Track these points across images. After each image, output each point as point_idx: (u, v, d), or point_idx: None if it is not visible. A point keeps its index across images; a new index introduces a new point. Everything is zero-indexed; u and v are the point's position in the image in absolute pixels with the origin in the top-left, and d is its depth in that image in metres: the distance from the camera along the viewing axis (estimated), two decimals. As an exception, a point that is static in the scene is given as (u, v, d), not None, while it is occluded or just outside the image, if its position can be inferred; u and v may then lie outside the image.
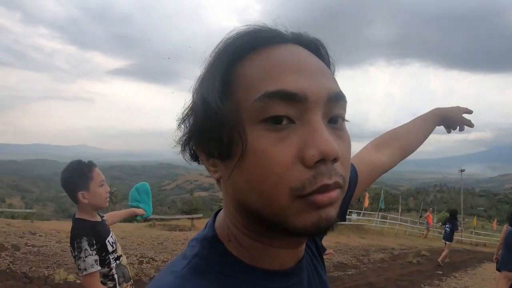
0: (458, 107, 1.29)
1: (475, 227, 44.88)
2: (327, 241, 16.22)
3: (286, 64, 0.65)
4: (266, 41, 0.70)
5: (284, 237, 0.68)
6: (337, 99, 0.65)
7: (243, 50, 0.70)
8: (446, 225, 14.88)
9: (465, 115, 1.05)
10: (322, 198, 0.62)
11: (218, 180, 0.73)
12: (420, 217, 36.65)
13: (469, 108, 0.97)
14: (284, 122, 0.58)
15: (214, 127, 0.66)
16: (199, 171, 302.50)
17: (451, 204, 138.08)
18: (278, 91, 0.61)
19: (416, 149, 1.45)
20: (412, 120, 1.51)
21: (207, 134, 0.68)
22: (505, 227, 7.72)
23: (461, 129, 1.58)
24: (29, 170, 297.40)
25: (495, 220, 49.27)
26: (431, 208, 35.53)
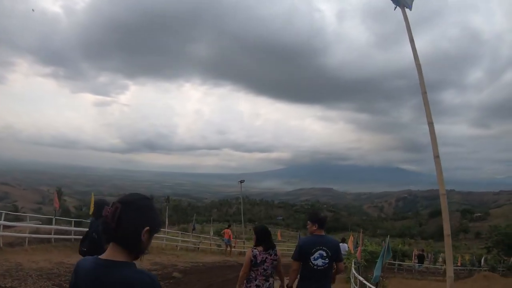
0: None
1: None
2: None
3: None
4: None
5: None
6: None
7: None
8: None
9: None
10: None
11: None
12: (193, 229, 37.09)
13: None
14: None
15: None
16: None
17: (250, 214, 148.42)
18: None
19: None
20: None
21: None
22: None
23: None
24: None
25: (279, 232, 53.69)
26: (229, 226, 35.42)
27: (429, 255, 42.69)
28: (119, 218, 2.09)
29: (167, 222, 33.52)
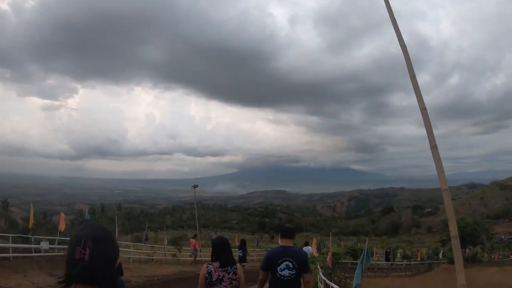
0: None
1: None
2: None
3: None
4: None
5: None
6: None
7: None
8: (240, 251, 19.53)
9: None
10: None
11: None
12: (146, 239, 35.35)
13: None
14: None
15: None
16: None
17: (204, 219, 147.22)
18: None
19: None
20: None
21: None
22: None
23: None
24: None
25: (236, 237, 51.62)
26: (195, 235, 33.80)
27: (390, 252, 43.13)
28: (92, 257, 1.99)
29: (117, 232, 31.62)
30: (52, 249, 21.62)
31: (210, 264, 5.36)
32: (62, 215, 26.71)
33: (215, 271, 5.25)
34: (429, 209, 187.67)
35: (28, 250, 19.44)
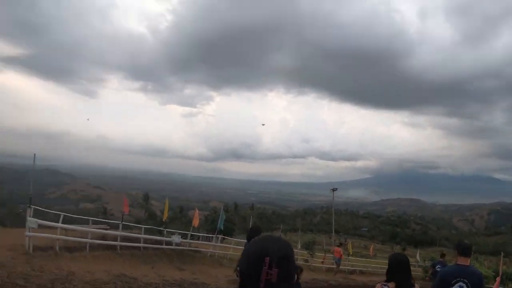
0: None
1: (349, 253, 38.01)
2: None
3: None
4: None
5: None
6: None
7: None
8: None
9: None
10: None
11: None
12: None
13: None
14: None
15: None
16: (86, 179, 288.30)
17: (335, 224, 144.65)
18: None
19: None
20: None
21: None
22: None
23: None
24: None
25: (372, 247, 48.29)
26: (342, 241, 32.10)
27: None
28: (278, 278, 1.79)
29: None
30: (184, 243, 21.66)
31: (384, 285, 4.54)
32: (197, 211, 27.04)
33: None
34: None
35: (159, 242, 19.65)
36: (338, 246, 29.52)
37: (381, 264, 34.23)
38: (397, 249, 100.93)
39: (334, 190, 36.41)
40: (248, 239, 6.82)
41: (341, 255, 27.81)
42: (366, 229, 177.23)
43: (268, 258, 1.80)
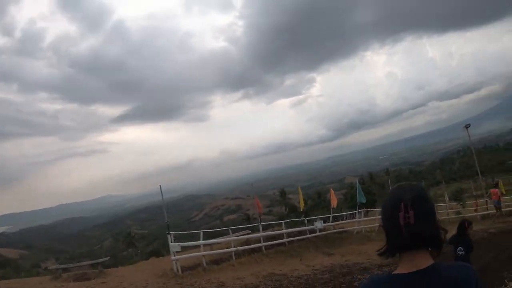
0: None
1: (502, 193, 29.98)
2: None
3: None
4: None
5: None
6: None
7: None
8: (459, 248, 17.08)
9: None
10: None
11: None
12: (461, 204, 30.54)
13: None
14: None
15: None
16: (224, 195, 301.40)
17: (478, 166, 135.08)
18: None
19: None
20: None
21: None
22: None
23: None
24: (58, 231, 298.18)
25: None
26: (498, 180, 29.47)
27: None
28: (417, 219, 1.86)
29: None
30: (327, 227, 21.39)
31: None
32: (332, 191, 26.79)
33: None
34: None
35: (303, 233, 19.59)
36: (494, 187, 26.54)
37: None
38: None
39: (467, 126, 33.45)
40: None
41: (499, 197, 25.48)
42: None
43: (402, 203, 1.86)
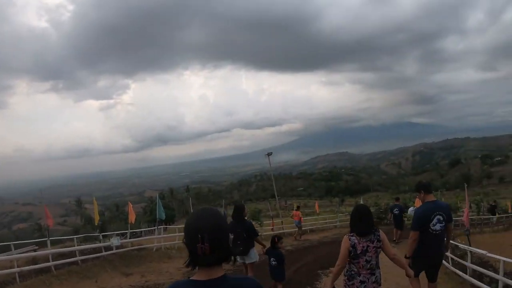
0: None
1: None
2: None
3: None
4: None
5: None
6: None
7: None
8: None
9: None
10: None
11: None
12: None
13: None
14: None
15: None
16: (14, 200, 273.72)
17: (271, 190, 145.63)
18: None
19: None
20: None
21: None
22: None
23: None
24: None
25: (317, 203, 47.96)
26: (298, 207, 31.71)
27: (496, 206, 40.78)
28: (212, 248, 2.13)
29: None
30: (125, 244, 19.85)
31: (352, 236, 4.96)
32: (130, 205, 24.71)
33: (359, 242, 4.87)
34: (499, 158, 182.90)
35: (98, 250, 17.79)
36: (296, 209, 28.72)
37: (328, 219, 35.04)
38: (335, 201, 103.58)
39: (269, 154, 35.99)
40: (234, 218, 8.65)
41: (300, 218, 27.43)
42: (302, 188, 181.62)
43: (199, 235, 2.08)
